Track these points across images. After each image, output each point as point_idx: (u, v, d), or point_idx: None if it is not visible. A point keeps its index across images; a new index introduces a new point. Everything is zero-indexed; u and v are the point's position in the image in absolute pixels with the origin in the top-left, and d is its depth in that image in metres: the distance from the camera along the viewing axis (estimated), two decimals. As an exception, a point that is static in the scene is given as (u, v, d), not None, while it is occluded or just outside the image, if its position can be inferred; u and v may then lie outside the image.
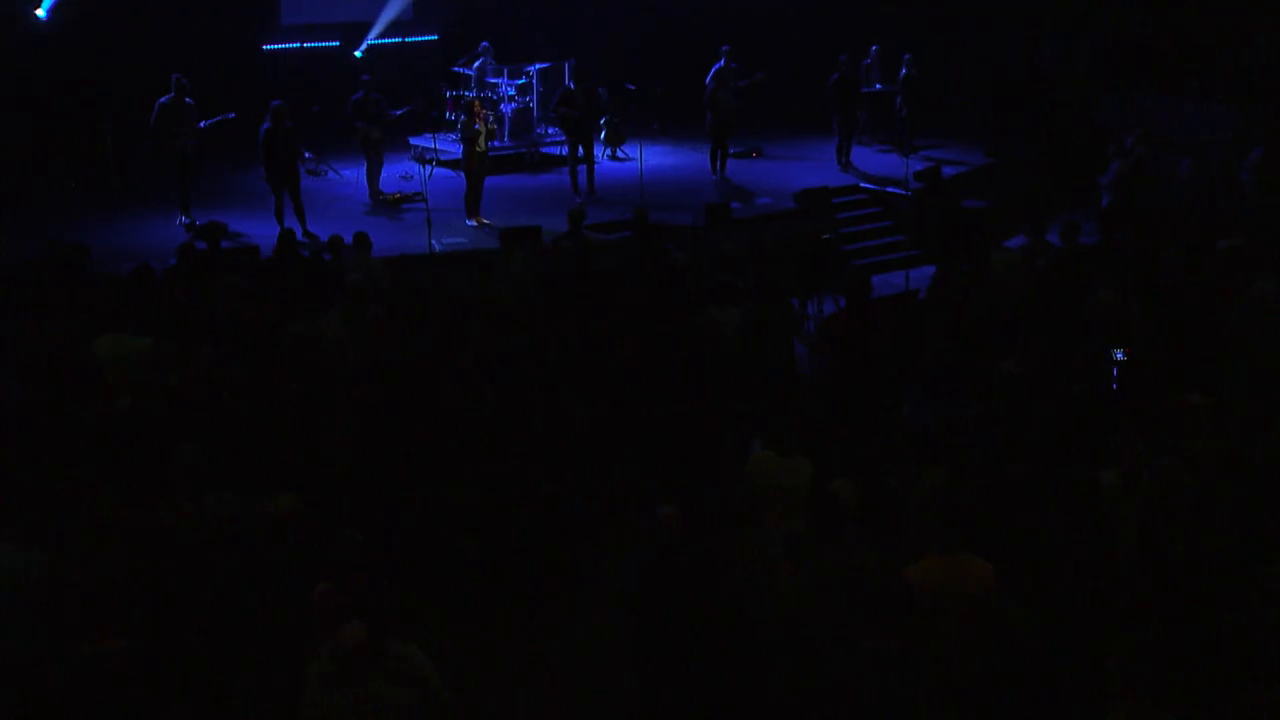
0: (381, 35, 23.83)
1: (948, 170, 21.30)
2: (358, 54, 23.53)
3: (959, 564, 7.50)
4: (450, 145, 21.83)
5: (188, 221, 18.34)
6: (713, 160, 21.67)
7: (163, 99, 17.97)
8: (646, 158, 21.61)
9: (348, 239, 15.43)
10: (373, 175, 20.19)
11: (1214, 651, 7.17)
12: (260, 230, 17.84)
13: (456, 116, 22.19)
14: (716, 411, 12.02)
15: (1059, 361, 11.13)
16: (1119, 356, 10.97)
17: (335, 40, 23.62)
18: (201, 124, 18.25)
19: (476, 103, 19.23)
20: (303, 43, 23.42)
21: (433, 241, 17.61)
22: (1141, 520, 8.36)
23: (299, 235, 17.54)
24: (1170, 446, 9.03)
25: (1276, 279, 12.65)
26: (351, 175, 20.69)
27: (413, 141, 22.34)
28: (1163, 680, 6.34)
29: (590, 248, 16.11)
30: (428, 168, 20.99)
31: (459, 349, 12.39)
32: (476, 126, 18.69)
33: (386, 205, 19.91)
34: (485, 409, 11.58)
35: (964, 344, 12.96)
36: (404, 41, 24.30)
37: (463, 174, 19.32)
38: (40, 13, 20.27)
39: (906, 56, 22.51)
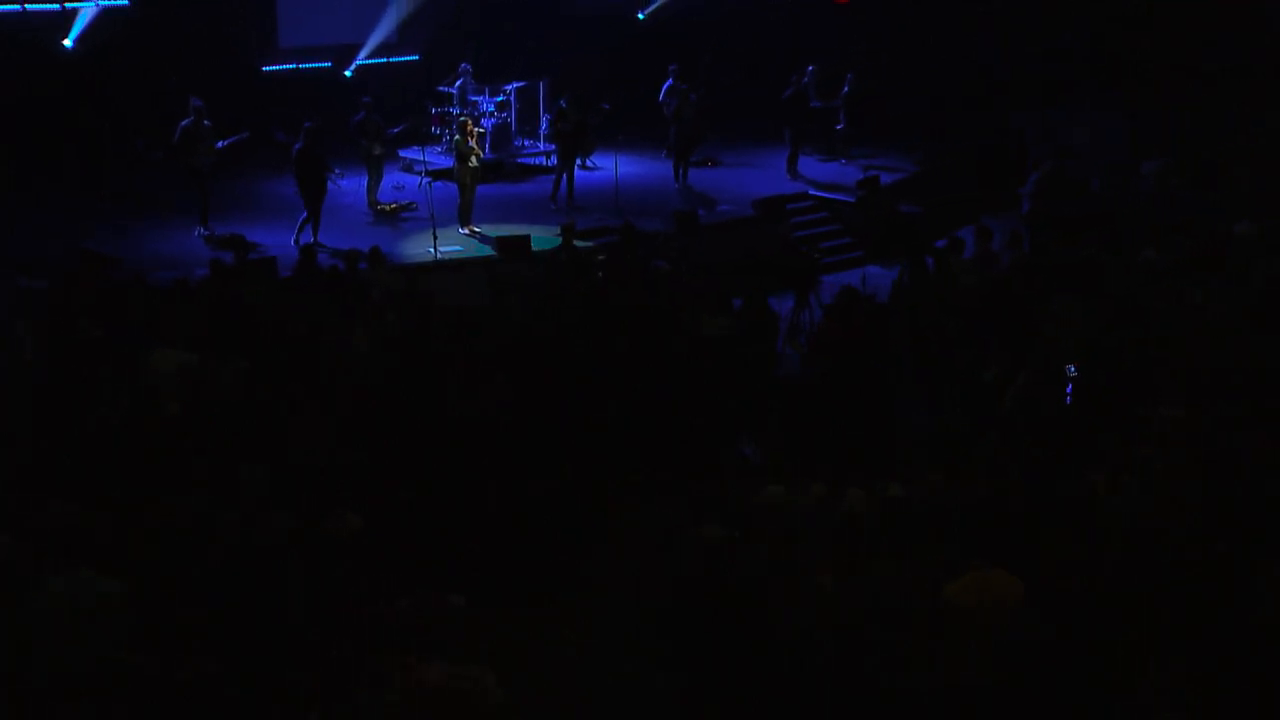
0: (369, 56, 23.17)
1: (886, 178, 21.03)
2: (348, 74, 22.95)
3: (994, 580, 7.04)
4: (436, 158, 21.46)
5: (206, 233, 17.77)
6: (676, 170, 21.27)
7: (184, 122, 17.39)
8: (607, 166, 21.39)
9: (350, 246, 15.10)
10: (372, 188, 19.73)
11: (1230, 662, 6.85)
12: (273, 240, 17.28)
13: (441, 131, 21.86)
14: (710, 413, 11.58)
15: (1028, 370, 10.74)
16: (1071, 372, 10.54)
17: (328, 61, 22.92)
18: (219, 144, 17.60)
19: (469, 122, 18.82)
20: (298, 64, 22.67)
21: (431, 250, 17.21)
22: (1129, 525, 8.06)
23: (309, 242, 17.10)
24: (1145, 456, 8.74)
25: (1206, 287, 12.46)
26: (350, 185, 20.09)
27: (402, 154, 21.77)
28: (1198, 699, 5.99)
29: (585, 260, 15.72)
30: (423, 180, 20.48)
31: (477, 357, 11.92)
32: (471, 144, 18.23)
33: (385, 215, 19.38)
34: (503, 414, 11.09)
35: (927, 347, 12.64)
36: (388, 61, 23.61)
37: (448, 184, 18.88)
38: (67, 42, 19.45)
39: (849, 76, 22.27)
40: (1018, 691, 6.81)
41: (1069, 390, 10.26)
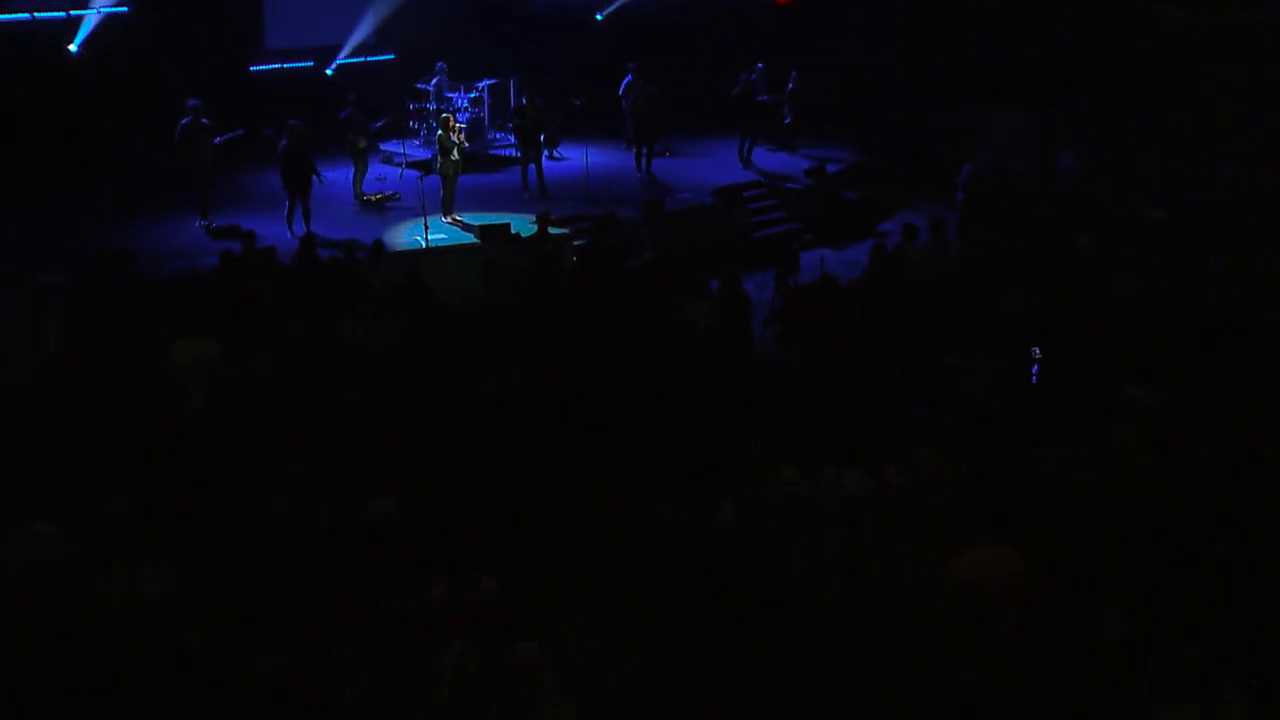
0: (349, 56, 22.67)
1: (830, 167, 20.96)
2: (329, 72, 22.44)
3: (996, 556, 6.84)
4: (415, 150, 21.18)
5: (206, 224, 17.38)
6: (637, 160, 21.07)
7: (183, 120, 16.99)
8: (575, 156, 21.22)
9: (340, 235, 14.76)
10: (357, 179, 19.35)
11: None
12: (267, 230, 16.84)
13: (419, 125, 21.51)
14: (707, 404, 11.33)
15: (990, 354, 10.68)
16: (1036, 354, 10.49)
17: (310, 61, 22.37)
18: (216, 140, 17.17)
19: (451, 118, 18.43)
20: (283, 64, 22.12)
21: (420, 239, 16.93)
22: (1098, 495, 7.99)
23: (301, 231, 16.71)
24: (1112, 433, 8.74)
25: (1137, 277, 12.48)
26: (333, 178, 19.69)
27: (383, 146, 21.37)
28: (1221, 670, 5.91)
29: (564, 247, 15.49)
30: (403, 171, 20.12)
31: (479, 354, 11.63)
32: (454, 139, 17.92)
33: (371, 205, 19.01)
34: (506, 410, 10.80)
35: (887, 329, 12.49)
36: (366, 61, 23.10)
37: (425, 175, 18.64)
38: (73, 47, 18.81)
39: (794, 74, 22.15)
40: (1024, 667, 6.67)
41: (1034, 371, 10.22)
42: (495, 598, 7.04)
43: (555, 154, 22.29)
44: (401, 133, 21.22)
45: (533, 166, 19.87)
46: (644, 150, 20.98)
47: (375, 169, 20.53)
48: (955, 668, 6.38)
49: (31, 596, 7.19)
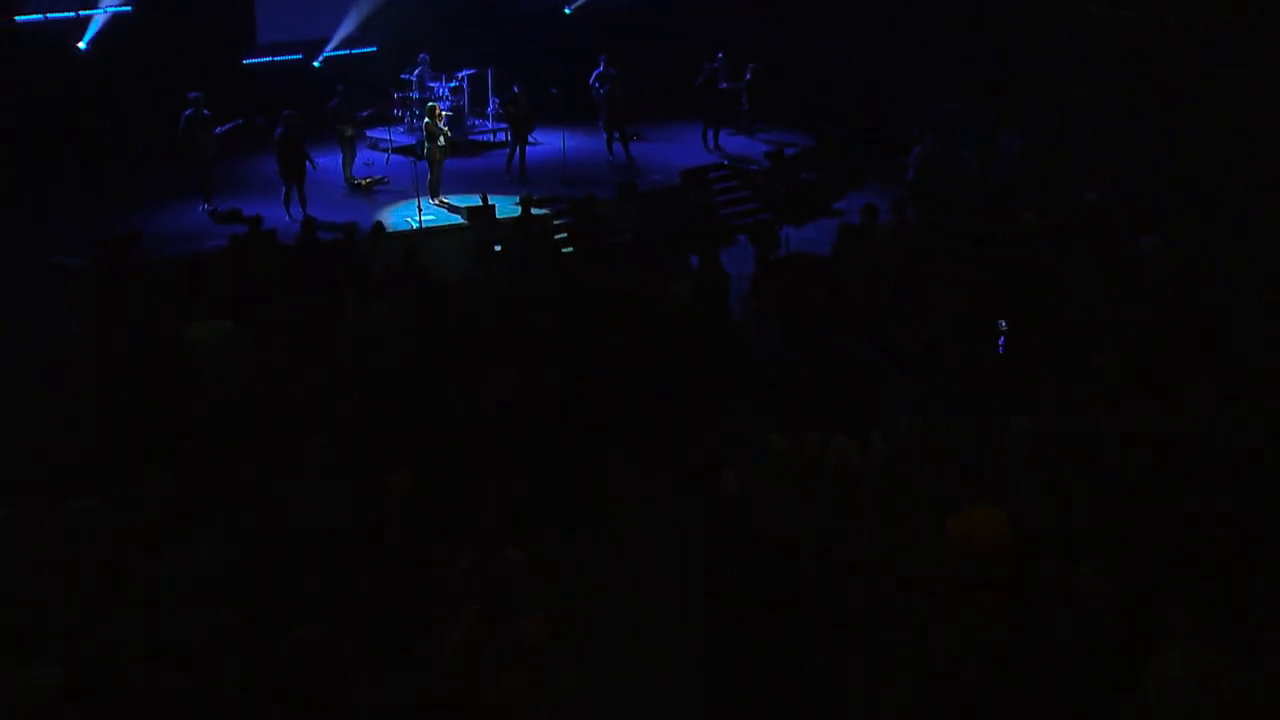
0: (335, 48, 22.31)
1: (788, 151, 20.93)
2: (316, 64, 22.10)
3: (987, 514, 6.98)
4: (400, 137, 20.99)
5: (210, 208, 17.13)
6: (609, 145, 20.93)
7: (186, 112, 16.81)
8: (551, 142, 21.10)
9: (331, 218, 14.55)
10: (347, 165, 19.16)
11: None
12: (266, 213, 16.52)
13: (403, 113, 21.26)
14: (694, 378, 11.22)
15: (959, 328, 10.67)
16: (1002, 326, 10.53)
17: (299, 54, 22.00)
18: (217, 130, 16.89)
19: (437, 107, 18.22)
20: (274, 57, 21.72)
21: (411, 220, 16.76)
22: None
23: (298, 215, 16.59)
24: (1080, 400, 8.81)
25: (1087, 256, 12.50)
26: (324, 163, 19.41)
27: (369, 134, 21.11)
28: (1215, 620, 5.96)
29: (548, 228, 15.38)
30: (389, 156, 19.84)
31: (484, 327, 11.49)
32: (442, 125, 17.71)
33: (360, 189, 18.78)
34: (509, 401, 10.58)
35: (855, 304, 12.46)
36: (350, 53, 22.74)
37: (417, 160, 18.32)
38: (81, 44, 18.34)
39: (751, 65, 22.07)
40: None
41: (1001, 343, 10.29)
42: (520, 568, 6.94)
43: (530, 139, 22.07)
44: (387, 120, 21.02)
45: (518, 151, 19.68)
46: (615, 136, 20.84)
47: (363, 155, 20.32)
48: (958, 621, 6.44)
49: (77, 571, 7.07)
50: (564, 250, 15.21)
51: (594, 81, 21.54)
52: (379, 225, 14.43)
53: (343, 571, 7.09)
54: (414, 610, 7.02)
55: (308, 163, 16.98)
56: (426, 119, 18.02)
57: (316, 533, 7.45)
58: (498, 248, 14.05)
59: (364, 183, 19.03)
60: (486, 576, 6.85)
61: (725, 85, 22.26)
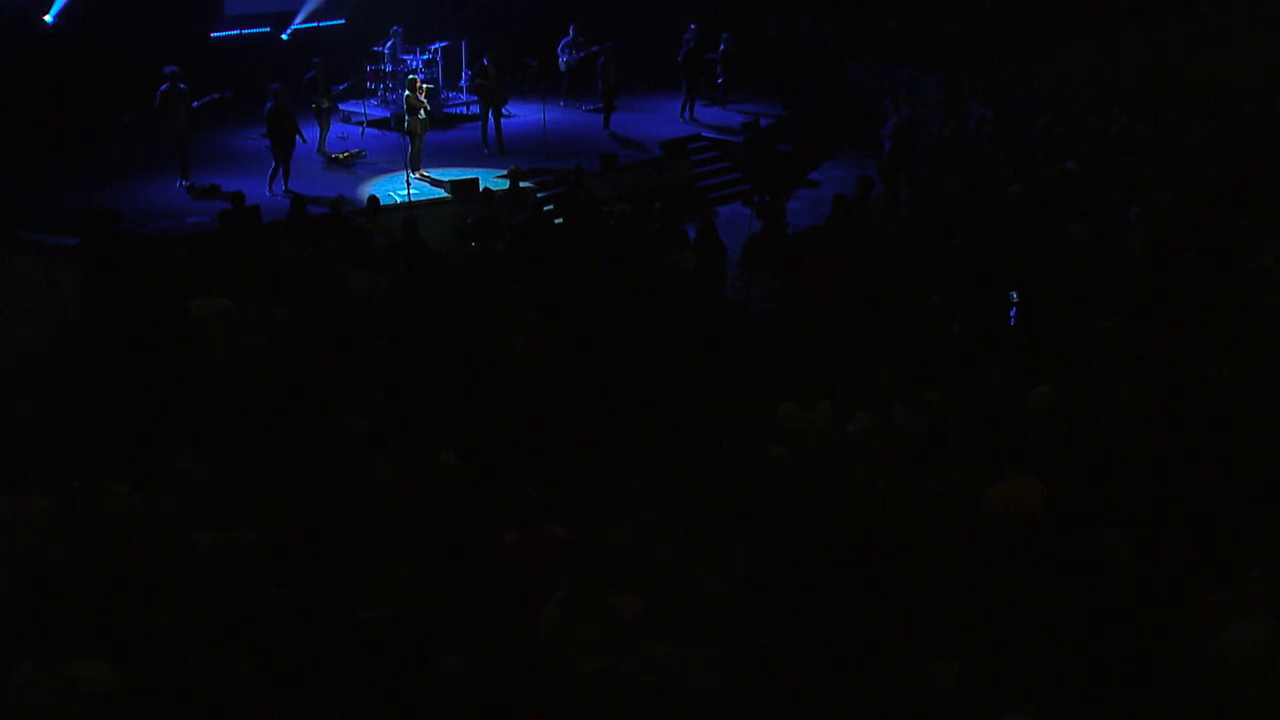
0: (303, 21, 21.86)
1: (764, 121, 20.90)
2: (284, 37, 21.65)
3: (1024, 485, 7.03)
4: (374, 110, 20.60)
5: (188, 184, 16.73)
6: (606, 118, 20.80)
7: (162, 87, 16.32)
8: (525, 114, 20.90)
9: (312, 191, 14.32)
10: (323, 138, 18.81)
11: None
12: (246, 188, 16.22)
13: (376, 86, 20.92)
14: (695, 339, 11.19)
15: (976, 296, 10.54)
16: (1014, 298, 10.58)
17: (266, 27, 21.54)
18: (194, 104, 16.50)
19: (417, 80, 17.94)
20: (241, 30, 21.24)
21: (398, 194, 16.55)
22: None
23: (280, 189, 16.38)
24: (1092, 364, 8.90)
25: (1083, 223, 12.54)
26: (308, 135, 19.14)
27: (342, 107, 20.72)
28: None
29: (538, 201, 15.27)
30: (364, 129, 19.52)
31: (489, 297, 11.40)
32: (420, 98, 17.47)
33: (337, 163, 18.50)
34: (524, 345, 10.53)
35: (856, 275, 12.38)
36: (319, 26, 22.29)
37: (404, 134, 18.00)
38: (47, 18, 17.81)
39: (725, 35, 21.97)
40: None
41: (1012, 314, 10.36)
42: (566, 545, 6.86)
43: (504, 111, 21.83)
44: (361, 93, 20.61)
45: (492, 123, 19.45)
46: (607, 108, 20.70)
47: (336, 128, 19.99)
48: (997, 588, 6.50)
49: (123, 559, 6.95)
50: (556, 221, 15.06)
51: (561, 50, 21.45)
52: (374, 199, 14.24)
53: (390, 552, 6.97)
54: (468, 588, 6.94)
55: (297, 136, 16.63)
56: (407, 92, 17.76)
57: (359, 513, 7.37)
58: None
59: (341, 156, 18.73)
60: (534, 551, 6.76)
61: (710, 56, 22.15)
